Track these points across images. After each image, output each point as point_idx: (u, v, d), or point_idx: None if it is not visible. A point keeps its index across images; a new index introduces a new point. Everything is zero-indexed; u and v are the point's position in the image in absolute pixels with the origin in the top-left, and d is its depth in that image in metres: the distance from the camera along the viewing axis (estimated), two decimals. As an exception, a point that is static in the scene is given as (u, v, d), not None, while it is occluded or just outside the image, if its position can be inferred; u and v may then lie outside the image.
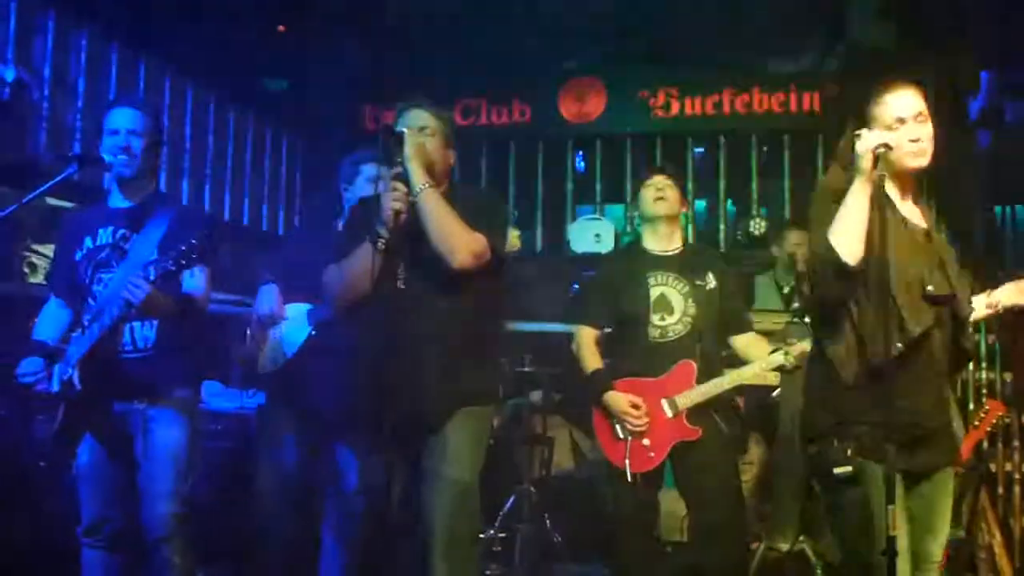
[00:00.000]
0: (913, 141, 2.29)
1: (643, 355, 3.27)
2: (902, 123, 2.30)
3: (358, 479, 3.07)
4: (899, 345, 2.24)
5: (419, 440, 2.64)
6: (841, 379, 2.32)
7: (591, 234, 5.85)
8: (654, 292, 3.30)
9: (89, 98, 4.52)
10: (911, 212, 2.39)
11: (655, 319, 3.27)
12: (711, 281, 3.32)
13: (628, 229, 6.07)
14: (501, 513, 4.40)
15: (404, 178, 2.57)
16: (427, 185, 2.56)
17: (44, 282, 3.80)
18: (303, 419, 3.25)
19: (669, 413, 3.23)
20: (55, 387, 2.67)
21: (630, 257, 3.49)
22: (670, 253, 3.39)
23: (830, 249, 2.21)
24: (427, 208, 2.55)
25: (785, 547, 3.99)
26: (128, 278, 2.53)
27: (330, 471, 3.24)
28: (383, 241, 2.53)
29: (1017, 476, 4.32)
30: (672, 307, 3.28)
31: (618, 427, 3.25)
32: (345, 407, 3.06)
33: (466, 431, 2.65)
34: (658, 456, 3.23)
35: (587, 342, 3.39)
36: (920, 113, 2.32)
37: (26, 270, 3.84)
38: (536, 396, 4.90)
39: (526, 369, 4.77)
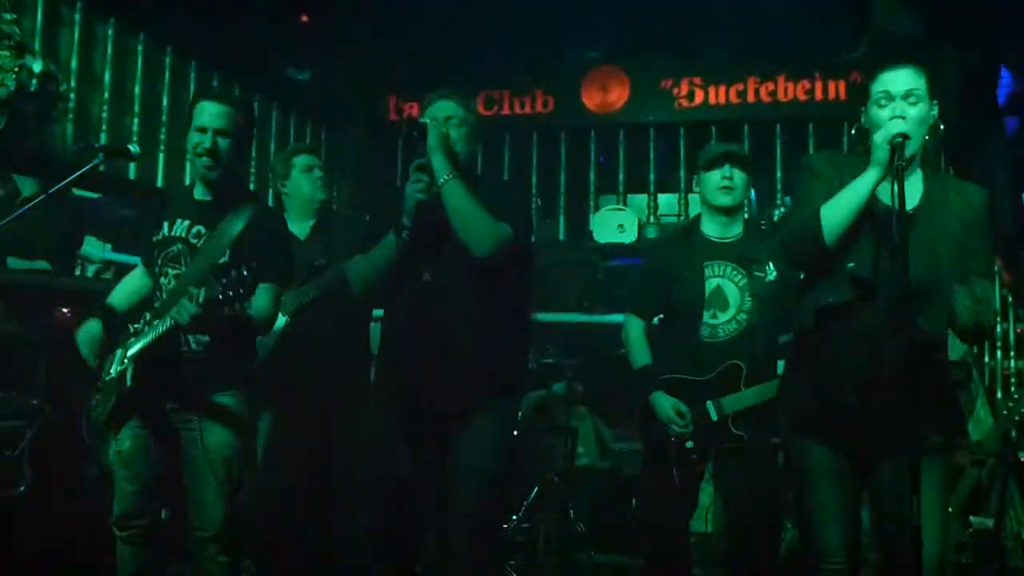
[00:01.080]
0: (897, 119, 2.25)
1: (692, 353, 3.11)
2: (890, 99, 2.28)
3: (377, 469, 3.09)
4: (808, 320, 2.26)
5: (445, 431, 2.64)
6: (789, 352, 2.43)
7: (614, 224, 5.83)
8: (710, 284, 3.11)
9: (115, 89, 4.55)
10: (892, 195, 2.23)
11: (707, 316, 3.09)
12: (771, 271, 3.10)
13: (651, 219, 6.05)
14: (524, 504, 4.40)
15: (428, 169, 2.57)
16: (451, 176, 2.55)
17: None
18: (297, 406, 3.27)
19: (714, 416, 3.09)
20: (112, 373, 2.69)
21: (686, 242, 3.24)
22: (729, 240, 3.17)
23: (815, 223, 2.20)
24: (452, 198, 2.54)
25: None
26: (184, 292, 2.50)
27: (326, 456, 3.24)
28: (407, 232, 2.53)
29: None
30: (727, 302, 3.10)
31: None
32: (333, 388, 3.04)
33: (492, 422, 2.65)
34: (701, 458, 3.11)
35: (637, 333, 3.22)
36: (910, 93, 2.28)
37: (77, 265, 3.90)
38: (559, 387, 4.90)
39: (549, 360, 4.77)
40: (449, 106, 2.72)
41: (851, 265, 2.24)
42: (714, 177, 3.14)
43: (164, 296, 2.70)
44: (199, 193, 2.80)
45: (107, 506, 2.78)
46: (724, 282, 3.12)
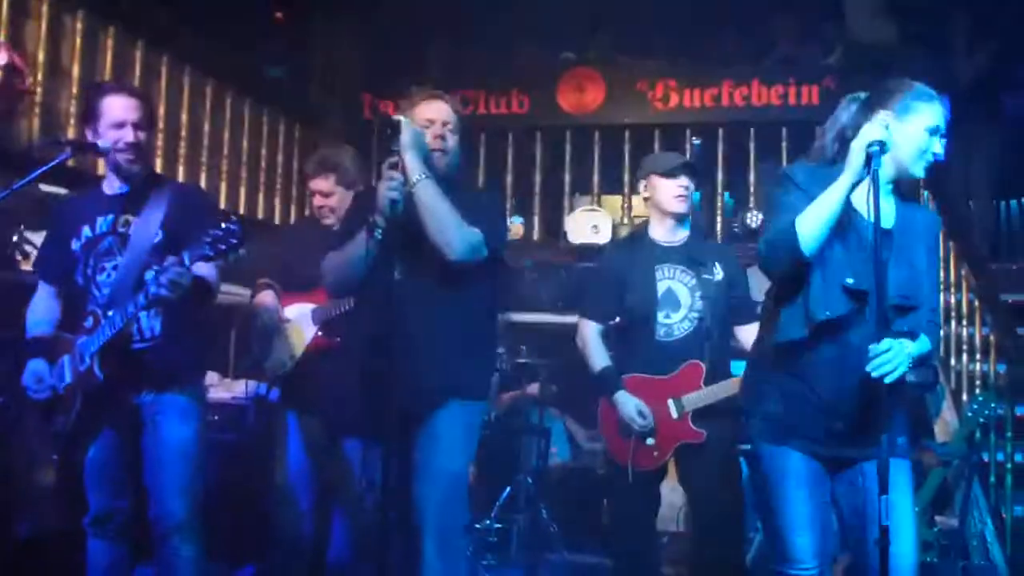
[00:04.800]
0: (934, 152, 2.29)
1: (650, 353, 3.23)
2: (937, 134, 2.28)
3: (360, 472, 3.07)
4: (799, 331, 2.27)
5: (411, 431, 2.63)
6: (757, 358, 2.46)
7: (589, 225, 5.83)
8: (661, 287, 3.24)
9: (84, 84, 4.48)
10: (867, 206, 2.25)
11: (660, 316, 3.22)
12: (718, 272, 3.26)
13: (625, 220, 6.06)
14: (498, 504, 4.40)
15: (401, 167, 2.55)
16: (423, 176, 2.54)
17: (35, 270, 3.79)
18: (314, 419, 3.26)
19: (675, 414, 3.19)
20: (68, 379, 2.65)
21: (636, 248, 3.40)
22: (676, 244, 3.32)
23: (791, 232, 2.21)
24: (423, 200, 2.53)
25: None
26: (152, 265, 2.51)
27: (340, 468, 3.22)
28: (379, 230, 2.50)
29: (1009, 466, 4.35)
30: (678, 302, 3.23)
31: (623, 425, 3.22)
32: (348, 401, 3.04)
33: (457, 423, 2.64)
34: (662, 455, 3.21)
35: (593, 337, 3.33)
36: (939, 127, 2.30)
37: (18, 257, 3.81)
38: (533, 388, 4.90)
39: (523, 360, 4.77)
40: (443, 109, 2.70)
41: (850, 281, 2.24)
42: (671, 186, 3.29)
43: (105, 291, 2.67)
44: (111, 188, 2.78)
45: (75, 503, 2.74)
46: (674, 283, 3.26)
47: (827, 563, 2.43)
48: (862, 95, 2.41)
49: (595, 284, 3.50)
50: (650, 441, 3.20)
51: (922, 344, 2.27)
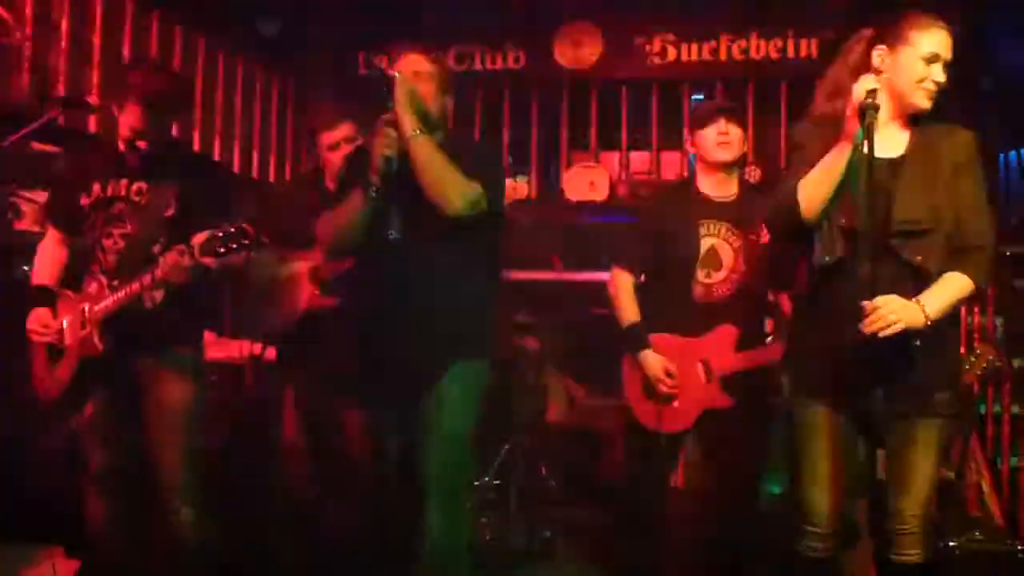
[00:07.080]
0: (935, 80, 2.23)
1: (684, 312, 3.07)
2: (936, 61, 2.23)
3: (360, 434, 3.08)
4: (811, 281, 2.25)
5: (415, 392, 2.62)
6: (793, 315, 2.45)
7: (585, 181, 5.80)
8: (704, 244, 3.07)
9: (74, 39, 4.40)
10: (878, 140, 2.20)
11: (700, 275, 3.07)
12: (765, 234, 3.05)
13: (623, 177, 6.02)
14: (496, 462, 4.42)
15: (395, 124, 2.52)
16: (418, 131, 2.50)
17: (31, 228, 3.76)
18: (313, 380, 3.26)
19: (703, 377, 3.05)
20: (68, 341, 2.65)
21: (682, 200, 3.18)
22: (727, 200, 3.13)
23: (793, 199, 2.18)
24: (419, 155, 2.50)
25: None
26: (160, 238, 2.55)
27: (339, 430, 3.23)
28: (375, 189, 2.48)
29: (1006, 418, 4.38)
30: (720, 262, 3.07)
31: (648, 386, 3.09)
32: (349, 362, 3.03)
33: (462, 383, 2.63)
34: (687, 419, 3.07)
35: (625, 288, 3.15)
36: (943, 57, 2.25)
37: (11, 216, 3.79)
38: (531, 344, 4.90)
39: (520, 319, 4.77)
40: (417, 60, 2.66)
41: (842, 221, 2.21)
42: (710, 133, 3.09)
43: (111, 258, 2.67)
44: (126, 147, 2.75)
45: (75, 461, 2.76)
46: (718, 242, 3.08)
47: (843, 524, 2.37)
48: (867, 32, 2.36)
49: (633, 232, 3.29)
50: (676, 404, 3.06)
51: (946, 289, 2.19)
